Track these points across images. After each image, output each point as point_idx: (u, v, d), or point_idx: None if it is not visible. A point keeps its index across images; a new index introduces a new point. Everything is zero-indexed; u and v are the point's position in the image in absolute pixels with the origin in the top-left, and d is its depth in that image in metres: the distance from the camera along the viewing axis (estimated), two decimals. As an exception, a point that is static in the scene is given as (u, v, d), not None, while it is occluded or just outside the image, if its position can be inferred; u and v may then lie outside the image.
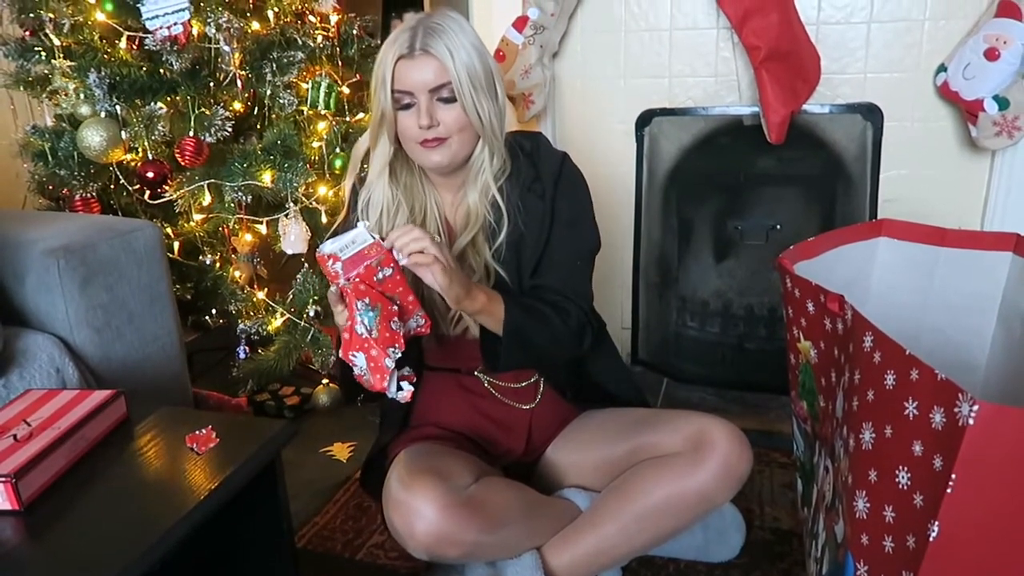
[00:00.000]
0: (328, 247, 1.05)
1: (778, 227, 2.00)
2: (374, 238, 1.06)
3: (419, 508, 1.10)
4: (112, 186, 1.85)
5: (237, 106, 1.86)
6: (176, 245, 1.93)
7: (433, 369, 1.35)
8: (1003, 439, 0.71)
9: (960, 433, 0.72)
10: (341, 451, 1.88)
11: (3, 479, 0.92)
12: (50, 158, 1.79)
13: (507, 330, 1.15)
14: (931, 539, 0.75)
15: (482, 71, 1.15)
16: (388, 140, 1.19)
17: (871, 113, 1.87)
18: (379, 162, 1.22)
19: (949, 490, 0.73)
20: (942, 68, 1.79)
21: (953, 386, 0.74)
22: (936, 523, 0.75)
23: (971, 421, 0.71)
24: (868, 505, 0.88)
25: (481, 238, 1.23)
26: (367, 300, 1.02)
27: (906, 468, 0.81)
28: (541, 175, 1.25)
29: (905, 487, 0.81)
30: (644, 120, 2.06)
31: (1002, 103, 1.69)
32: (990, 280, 1.30)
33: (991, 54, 1.68)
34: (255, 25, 1.84)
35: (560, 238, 1.25)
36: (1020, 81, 1.69)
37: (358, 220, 1.16)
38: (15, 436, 1.02)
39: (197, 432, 1.07)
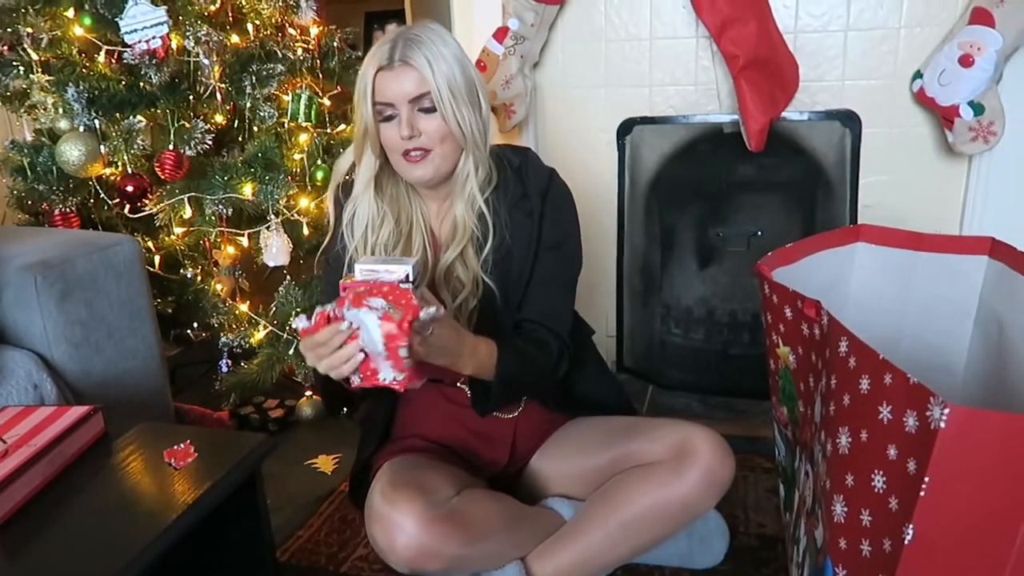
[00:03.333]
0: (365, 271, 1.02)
1: (759, 233, 2.01)
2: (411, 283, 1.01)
3: (400, 522, 1.09)
4: (92, 200, 1.84)
5: (219, 119, 1.86)
6: (157, 259, 1.92)
7: None
8: (975, 442, 0.72)
9: (932, 436, 0.72)
10: (326, 463, 1.87)
11: None
12: (29, 173, 1.78)
13: (498, 381, 1.18)
14: (906, 542, 0.75)
15: (463, 81, 1.15)
16: (373, 153, 1.20)
17: (849, 120, 1.89)
18: (364, 176, 1.22)
19: (923, 493, 0.73)
20: (918, 75, 1.81)
21: (925, 390, 0.75)
22: (911, 526, 0.75)
23: (943, 424, 0.71)
24: (846, 509, 0.88)
25: (471, 250, 1.23)
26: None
27: (881, 472, 0.81)
28: (529, 192, 1.25)
29: (881, 491, 0.81)
30: (625, 129, 2.07)
31: (977, 109, 1.71)
32: (967, 284, 1.31)
33: (966, 61, 1.70)
34: (235, 38, 1.84)
35: (544, 263, 1.25)
36: (994, 87, 1.71)
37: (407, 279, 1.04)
38: (-8, 453, 1.01)
39: (175, 447, 1.07)
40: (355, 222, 1.24)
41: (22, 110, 1.83)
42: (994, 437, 0.72)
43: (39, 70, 1.73)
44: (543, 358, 1.24)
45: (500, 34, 1.96)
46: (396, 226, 1.25)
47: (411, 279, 1.01)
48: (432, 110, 1.14)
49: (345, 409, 1.21)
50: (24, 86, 1.77)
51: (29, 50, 1.73)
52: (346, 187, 1.28)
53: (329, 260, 1.29)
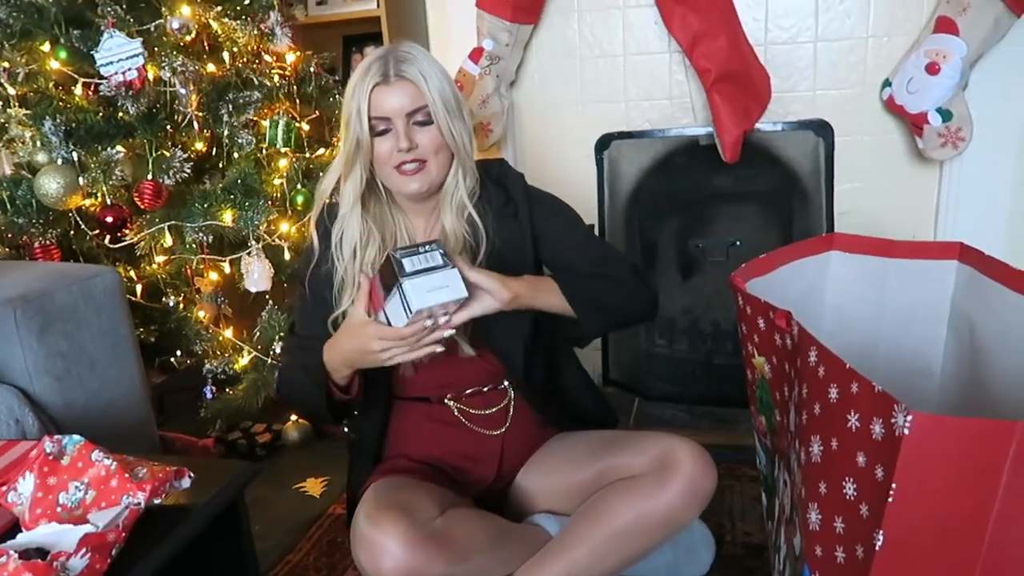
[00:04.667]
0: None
1: (738, 243, 2.03)
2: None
3: (385, 544, 1.09)
4: (72, 232, 1.84)
5: (198, 147, 1.87)
6: (139, 288, 1.93)
7: (402, 399, 1.35)
8: (939, 447, 0.73)
9: (897, 443, 0.74)
10: (314, 487, 1.87)
11: None
12: (8, 207, 1.78)
13: (573, 304, 1.21)
14: (877, 548, 0.76)
15: (452, 94, 1.21)
16: (362, 170, 1.22)
17: (822, 129, 1.92)
18: (352, 194, 1.24)
19: (891, 499, 0.74)
20: (887, 83, 1.84)
21: (889, 398, 0.76)
22: (881, 532, 0.76)
23: (907, 431, 0.73)
24: (820, 517, 0.89)
25: (465, 257, 1.26)
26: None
27: (852, 479, 0.82)
28: (512, 196, 1.30)
29: (852, 498, 0.82)
30: (603, 144, 2.09)
31: (945, 115, 1.74)
32: (938, 289, 1.33)
33: (932, 68, 1.73)
34: (211, 67, 1.86)
35: (558, 230, 1.31)
36: (961, 94, 1.74)
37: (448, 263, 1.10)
38: (-34, 491, 1.01)
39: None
40: (344, 241, 1.26)
41: (0, 144, 1.83)
42: (957, 442, 0.73)
43: (16, 104, 1.74)
44: (614, 278, 1.27)
45: (476, 54, 1.98)
46: (381, 245, 1.26)
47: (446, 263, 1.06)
48: (427, 123, 1.19)
49: (344, 425, 1.27)
50: (1, 120, 1.78)
51: (5, 84, 1.74)
52: (330, 209, 1.29)
53: (311, 279, 1.30)
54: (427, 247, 1.06)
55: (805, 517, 0.92)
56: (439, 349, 1.11)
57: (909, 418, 0.72)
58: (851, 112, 1.91)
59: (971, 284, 1.26)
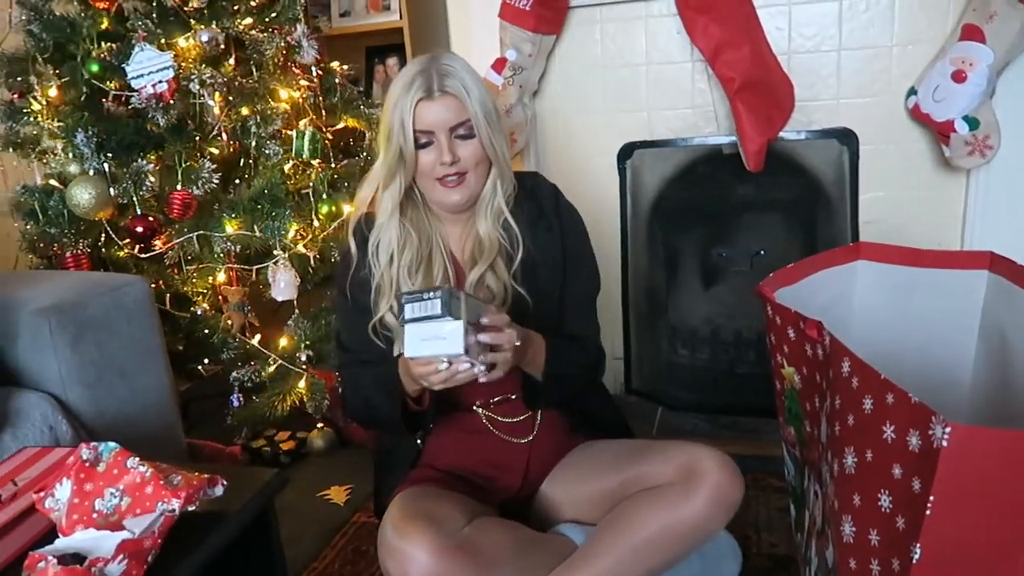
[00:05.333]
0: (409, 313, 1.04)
1: (762, 252, 2.02)
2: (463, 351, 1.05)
3: (413, 554, 1.10)
4: (102, 242, 1.87)
5: (214, 151, 1.88)
6: (167, 297, 1.95)
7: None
8: (977, 459, 0.73)
9: (935, 455, 0.73)
10: (338, 494, 1.87)
11: None
12: (41, 217, 1.82)
13: (548, 374, 1.24)
14: (914, 561, 0.76)
15: (492, 106, 1.23)
16: (403, 180, 1.24)
17: (846, 137, 1.91)
18: (390, 202, 1.27)
19: (928, 512, 0.74)
20: (912, 91, 1.83)
21: (926, 409, 0.76)
22: (918, 545, 0.75)
23: (945, 443, 0.72)
24: (854, 529, 0.89)
25: (500, 262, 1.29)
26: None
27: (887, 491, 0.82)
28: (544, 209, 1.32)
29: (887, 510, 0.82)
30: (626, 153, 2.10)
31: (972, 123, 1.73)
32: (968, 298, 1.32)
33: (958, 76, 1.72)
34: (238, 79, 1.88)
35: (572, 280, 1.33)
36: (988, 101, 1.73)
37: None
38: (0, 497, 1.03)
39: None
40: (380, 249, 1.29)
41: (33, 156, 1.87)
42: (996, 453, 0.72)
43: (49, 116, 1.77)
44: (583, 357, 1.33)
45: (499, 65, 2.00)
46: (418, 249, 1.29)
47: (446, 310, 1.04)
48: (470, 136, 1.21)
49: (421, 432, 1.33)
50: (34, 132, 1.81)
51: (39, 97, 1.77)
52: (367, 217, 1.32)
53: (351, 285, 1.32)
54: (431, 294, 1.04)
55: (838, 529, 0.92)
56: (482, 379, 1.11)
57: (948, 430, 0.72)
58: (876, 120, 1.90)
59: (1002, 294, 1.25)
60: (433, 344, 1.03)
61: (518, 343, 1.12)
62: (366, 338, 1.29)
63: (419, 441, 1.36)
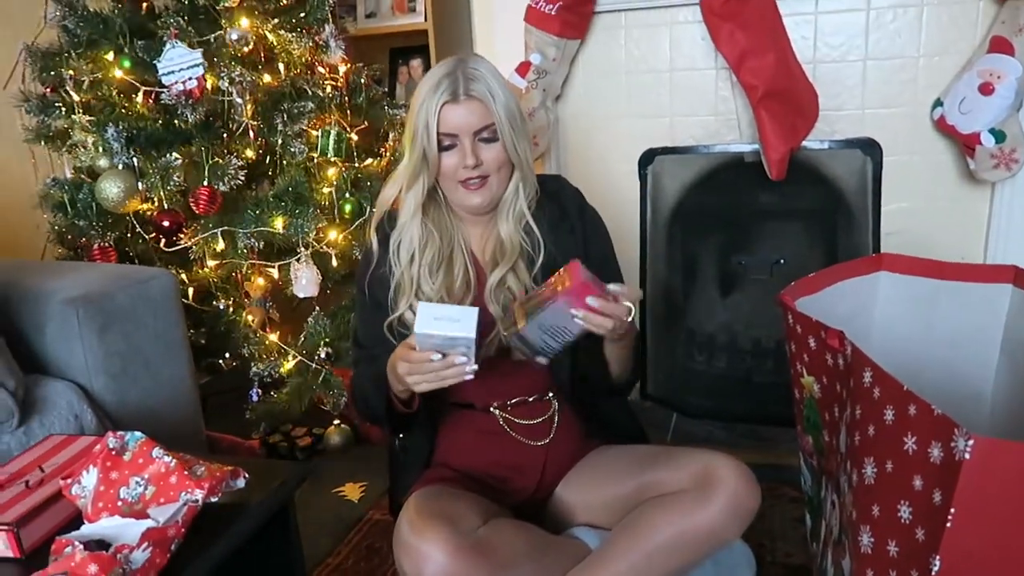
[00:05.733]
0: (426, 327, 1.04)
1: (782, 261, 2.01)
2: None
3: (428, 552, 1.10)
4: (129, 235, 1.90)
5: (249, 153, 1.91)
6: (191, 291, 1.97)
7: (449, 406, 1.37)
8: (1000, 473, 0.73)
9: (957, 467, 0.73)
10: (353, 491, 1.89)
11: (4, 528, 0.95)
12: (69, 209, 1.85)
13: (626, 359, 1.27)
14: (933, 573, 0.76)
15: (516, 110, 1.24)
16: (426, 181, 1.26)
17: (870, 148, 1.90)
18: (413, 203, 1.28)
19: (949, 524, 0.74)
20: (938, 103, 1.82)
21: (949, 421, 0.76)
22: (937, 557, 0.75)
23: (967, 455, 0.72)
24: (872, 540, 0.89)
25: (521, 264, 1.30)
26: None
27: (907, 502, 0.82)
28: (567, 211, 1.33)
29: (907, 521, 0.82)
30: (647, 159, 2.09)
31: (998, 136, 1.72)
32: (991, 312, 1.31)
33: (985, 89, 1.71)
34: (267, 77, 1.90)
35: (598, 264, 1.31)
36: (1015, 115, 1.72)
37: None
38: (27, 482, 1.05)
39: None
40: (402, 248, 1.30)
41: (64, 149, 1.90)
42: (1018, 468, 0.72)
43: (80, 111, 1.80)
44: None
45: (523, 68, 2.01)
46: (439, 249, 1.30)
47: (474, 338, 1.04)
48: (493, 140, 1.22)
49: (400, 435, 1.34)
50: (66, 126, 1.85)
51: (71, 92, 1.81)
52: (390, 215, 1.33)
53: (369, 282, 1.34)
54: (466, 318, 1.04)
55: (856, 540, 0.92)
56: (468, 377, 1.10)
57: (970, 442, 0.72)
58: (900, 131, 1.89)
59: (1027, 308, 1.24)
60: (445, 324, 1.02)
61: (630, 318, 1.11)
62: (380, 335, 1.30)
63: (398, 444, 1.37)
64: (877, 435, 0.89)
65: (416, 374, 1.10)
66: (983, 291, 1.32)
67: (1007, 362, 1.30)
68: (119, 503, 1.01)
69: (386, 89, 2.55)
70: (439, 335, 1.03)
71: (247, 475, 1.04)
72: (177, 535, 0.94)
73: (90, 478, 1.02)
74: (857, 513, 0.93)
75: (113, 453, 1.04)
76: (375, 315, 1.32)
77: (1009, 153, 1.72)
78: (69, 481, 1.03)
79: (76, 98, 1.80)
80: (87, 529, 0.98)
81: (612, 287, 1.10)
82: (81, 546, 0.89)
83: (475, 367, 1.08)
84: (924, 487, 0.79)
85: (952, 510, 0.74)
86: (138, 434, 1.06)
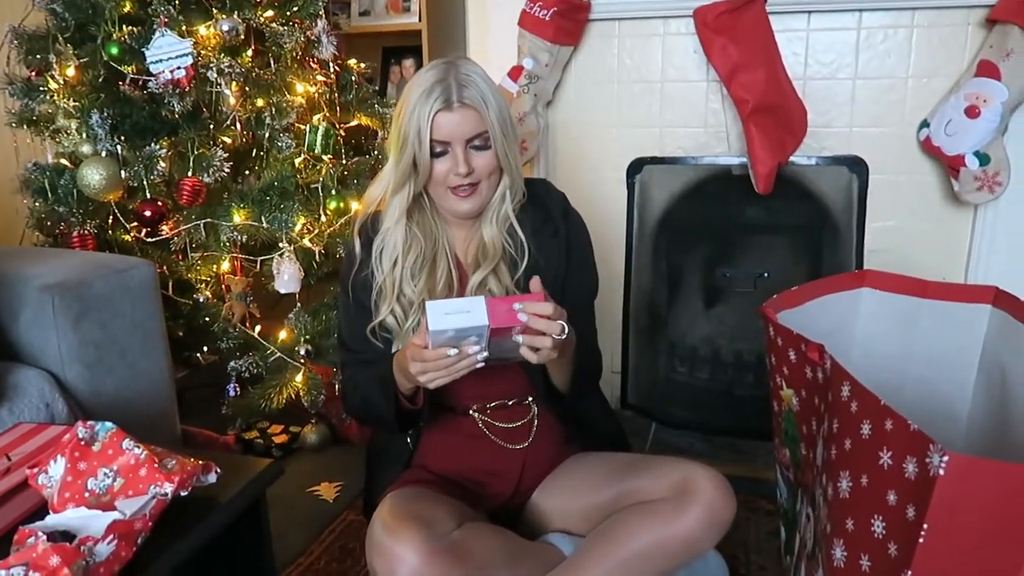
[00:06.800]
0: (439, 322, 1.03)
1: (766, 275, 2.03)
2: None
3: (401, 554, 1.09)
4: (109, 223, 1.87)
5: (236, 147, 1.89)
6: (170, 283, 1.95)
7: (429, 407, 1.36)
8: (973, 490, 0.73)
9: (931, 483, 0.73)
10: (328, 491, 1.87)
11: None
12: (50, 195, 1.82)
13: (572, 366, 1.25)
14: (905, 589, 0.76)
15: (508, 117, 1.23)
16: (413, 187, 1.25)
17: (857, 166, 1.92)
18: (399, 208, 1.27)
19: (921, 540, 0.74)
20: (925, 124, 1.84)
21: (925, 437, 0.76)
22: (909, 572, 0.75)
23: (942, 471, 0.72)
24: (845, 554, 0.89)
25: (503, 267, 1.29)
26: None
27: (881, 517, 0.82)
28: (551, 214, 1.33)
29: (880, 536, 0.82)
30: (635, 168, 2.10)
31: (983, 159, 1.74)
32: (970, 332, 1.32)
33: (971, 112, 1.73)
34: (256, 70, 1.89)
35: (574, 287, 1.33)
36: (1000, 138, 1.74)
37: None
38: (-8, 471, 1.03)
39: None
40: (384, 254, 1.29)
41: (47, 134, 1.87)
42: (993, 485, 0.72)
43: (65, 96, 1.78)
44: (590, 362, 1.35)
45: (515, 73, 2.01)
46: (423, 251, 1.29)
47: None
48: (485, 147, 1.21)
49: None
50: (49, 111, 1.82)
51: (57, 76, 1.78)
52: (374, 217, 1.32)
53: (352, 284, 1.32)
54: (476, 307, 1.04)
55: (829, 553, 0.92)
56: (480, 365, 1.10)
57: (945, 459, 0.72)
58: (887, 150, 1.91)
59: (1005, 330, 1.25)
60: (456, 318, 1.02)
61: (564, 336, 1.09)
62: (365, 337, 1.30)
63: (408, 441, 1.36)
64: (853, 449, 0.89)
65: (431, 371, 1.09)
66: (963, 311, 1.33)
67: (984, 382, 1.31)
68: (86, 494, 0.99)
69: (377, 88, 2.54)
70: (453, 328, 1.03)
71: (219, 470, 1.03)
72: (144, 529, 0.92)
73: (57, 468, 1.00)
74: (831, 527, 0.93)
75: (82, 443, 1.02)
76: (359, 317, 1.31)
77: (993, 176, 1.74)
78: (36, 470, 1.01)
79: (61, 83, 1.77)
80: (52, 520, 0.96)
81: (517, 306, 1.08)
82: (44, 537, 0.87)
83: (486, 354, 1.08)
84: (898, 502, 0.79)
85: (925, 526, 0.74)
86: (108, 424, 1.04)
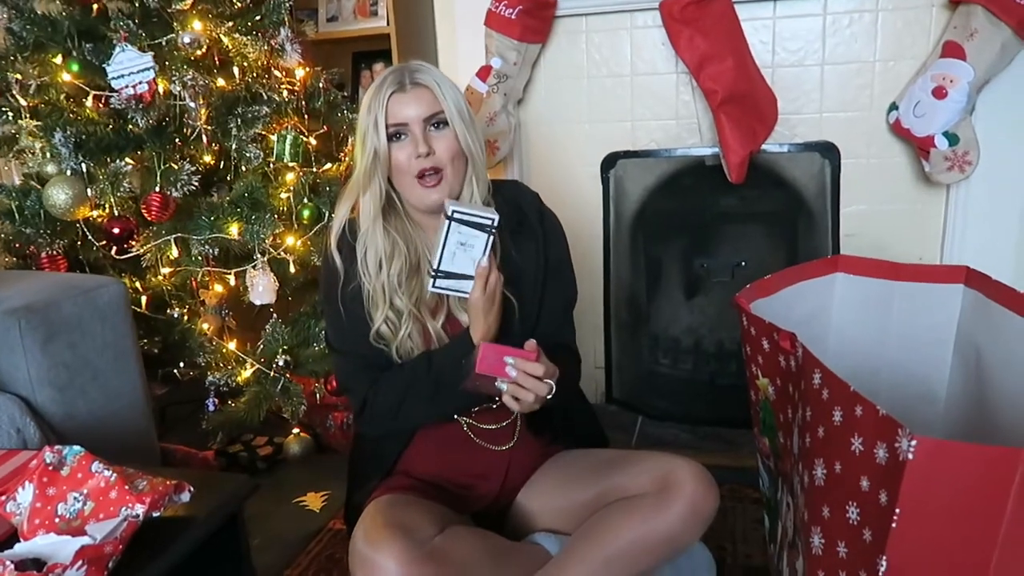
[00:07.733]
0: None
1: (743, 264, 2.03)
2: None
3: (382, 563, 1.08)
4: (79, 242, 1.85)
5: (207, 159, 1.88)
6: (144, 299, 1.93)
7: None
8: (944, 473, 0.72)
9: (901, 467, 0.73)
10: (314, 501, 1.86)
11: None
12: (17, 216, 1.80)
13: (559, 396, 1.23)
14: (880, 573, 0.75)
15: (464, 105, 1.24)
16: (381, 181, 1.24)
17: (828, 151, 1.92)
18: (372, 207, 1.26)
19: (894, 524, 0.74)
20: (894, 107, 1.84)
21: (893, 422, 0.75)
22: (884, 557, 0.75)
23: (911, 456, 0.72)
24: (823, 541, 0.89)
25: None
26: None
27: (855, 503, 0.82)
28: (527, 216, 1.32)
29: (855, 522, 0.82)
30: (609, 163, 2.10)
31: (952, 139, 1.74)
32: (944, 312, 1.33)
33: (939, 92, 1.74)
34: (220, 81, 1.87)
35: (552, 288, 1.33)
36: (968, 118, 1.74)
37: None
38: (-38, 501, 1.01)
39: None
40: (368, 257, 1.27)
41: (11, 155, 1.85)
42: (963, 468, 0.72)
43: (27, 115, 1.76)
44: (573, 367, 1.35)
45: (483, 72, 1.99)
46: (407, 257, 1.27)
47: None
48: (444, 125, 1.22)
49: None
50: (12, 131, 1.80)
51: (17, 96, 1.76)
52: (351, 225, 1.30)
53: (343, 300, 1.29)
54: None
55: (808, 541, 0.91)
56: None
57: (914, 443, 0.72)
58: (858, 135, 1.91)
59: (978, 308, 1.25)
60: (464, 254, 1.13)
61: (551, 396, 1.14)
62: (369, 343, 1.27)
63: (395, 446, 1.35)
64: (826, 436, 0.89)
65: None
66: (936, 292, 1.33)
67: (959, 362, 1.31)
68: (56, 519, 0.97)
69: (347, 93, 2.52)
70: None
71: (192, 488, 1.01)
72: (115, 552, 0.91)
73: (26, 494, 0.99)
74: (808, 514, 0.93)
75: (50, 468, 1.00)
76: (355, 328, 1.28)
77: (962, 155, 1.74)
78: (4, 498, 0.99)
79: (23, 102, 1.75)
80: (21, 548, 0.94)
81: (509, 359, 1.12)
82: (12, 566, 0.86)
83: (485, 264, 1.16)
84: (871, 488, 0.79)
85: (897, 510, 0.73)
86: (77, 448, 1.03)
